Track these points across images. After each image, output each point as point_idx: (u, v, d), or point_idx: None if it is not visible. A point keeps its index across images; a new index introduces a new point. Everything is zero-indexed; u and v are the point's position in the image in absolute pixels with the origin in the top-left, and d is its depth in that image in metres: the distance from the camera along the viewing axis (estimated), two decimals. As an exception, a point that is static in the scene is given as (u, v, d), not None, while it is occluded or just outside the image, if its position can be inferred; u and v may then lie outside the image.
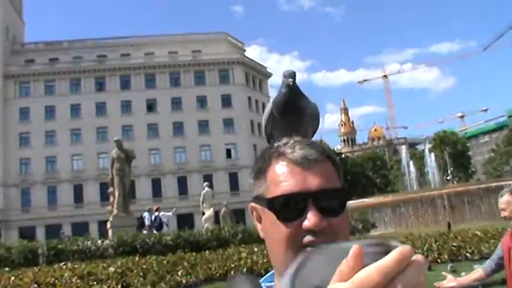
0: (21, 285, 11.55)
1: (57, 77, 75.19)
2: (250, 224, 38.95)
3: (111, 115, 74.32)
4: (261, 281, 1.32)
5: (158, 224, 25.63)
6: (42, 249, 16.91)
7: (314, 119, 1.48)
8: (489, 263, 4.76)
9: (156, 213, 26.80)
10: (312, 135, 1.57)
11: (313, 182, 1.19)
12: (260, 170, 1.29)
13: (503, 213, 4.53)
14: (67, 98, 73.96)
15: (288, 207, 1.18)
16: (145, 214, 26.70)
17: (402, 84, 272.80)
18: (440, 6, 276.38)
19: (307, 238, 1.17)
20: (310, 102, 1.48)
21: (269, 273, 1.34)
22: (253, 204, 1.31)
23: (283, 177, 1.22)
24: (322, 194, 1.18)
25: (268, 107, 1.46)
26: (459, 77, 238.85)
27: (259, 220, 1.30)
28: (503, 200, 4.51)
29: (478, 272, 4.81)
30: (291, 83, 1.39)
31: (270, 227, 1.23)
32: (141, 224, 25.55)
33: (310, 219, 1.15)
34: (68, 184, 72.84)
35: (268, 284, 1.32)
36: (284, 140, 1.31)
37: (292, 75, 1.39)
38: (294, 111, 1.44)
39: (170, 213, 29.06)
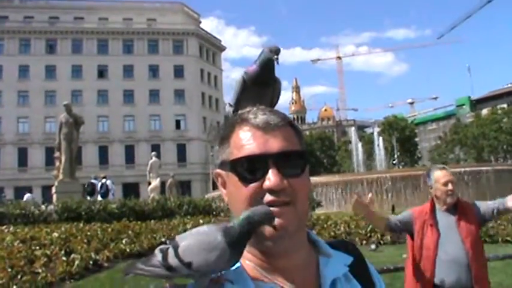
0: (-39, 248, 11.31)
1: (5, 36, 73.20)
2: (196, 196, 39.02)
3: (60, 79, 72.91)
4: None
5: (104, 191, 25.52)
6: (-16, 212, 16.56)
7: (278, 93, 1.53)
8: (394, 222, 4.84)
9: (104, 181, 26.64)
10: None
11: (274, 144, 1.23)
12: (224, 137, 1.32)
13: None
14: (15, 59, 72.14)
15: (249, 169, 1.23)
16: (95, 181, 26.52)
17: (356, 67, 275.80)
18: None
19: (268, 197, 1.21)
20: (277, 77, 1.52)
21: None
22: (218, 170, 1.35)
23: (245, 141, 1.26)
24: (282, 156, 1.22)
25: (240, 76, 1.48)
26: (413, 63, 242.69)
27: (224, 185, 1.33)
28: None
29: (384, 219, 4.93)
30: (276, 60, 1.41)
31: (233, 189, 1.27)
32: (92, 190, 25.47)
33: (271, 180, 1.20)
34: (12, 147, 71.42)
35: None
36: (247, 108, 1.34)
37: (278, 52, 1.42)
38: (267, 83, 1.47)
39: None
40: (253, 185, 1.22)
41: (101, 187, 26.07)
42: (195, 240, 1.15)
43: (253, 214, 1.13)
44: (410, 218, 4.79)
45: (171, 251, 1.15)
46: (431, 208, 4.74)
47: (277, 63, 1.43)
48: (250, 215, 1.13)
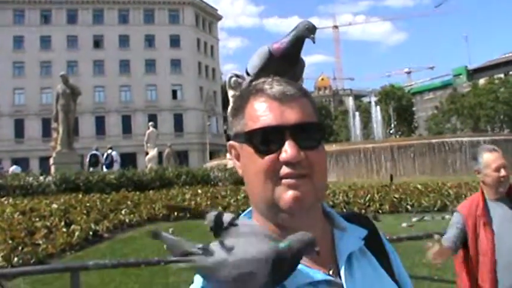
0: (-39, 219, 11.34)
1: (-1, 6, 72.55)
2: (193, 165, 39.07)
3: (56, 49, 72.46)
4: (240, 216, 1.33)
5: (110, 162, 25.75)
6: (-18, 183, 16.55)
7: (300, 74, 1.50)
8: (451, 239, 4.04)
9: (109, 151, 26.91)
10: None
11: (291, 116, 1.21)
12: (238, 108, 1.30)
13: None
14: (10, 30, 71.47)
15: (265, 140, 1.21)
16: (97, 152, 26.66)
17: (354, 36, 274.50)
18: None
19: (285, 170, 1.19)
20: (301, 57, 1.49)
21: (247, 211, 1.35)
22: (231, 142, 1.33)
23: (261, 112, 1.24)
24: (299, 128, 1.21)
25: (266, 47, 1.44)
26: (411, 32, 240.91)
27: (238, 158, 1.32)
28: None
29: (448, 250, 4.04)
30: (312, 39, 1.39)
31: (248, 162, 1.25)
32: (95, 161, 25.61)
33: (288, 152, 1.18)
34: (8, 118, 71.26)
35: (248, 219, 1.33)
36: (262, 79, 1.31)
37: (314, 31, 1.39)
38: (293, 62, 1.44)
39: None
40: (269, 157, 1.20)
41: (106, 158, 26.38)
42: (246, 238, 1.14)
43: (294, 242, 1.10)
44: (462, 222, 4.07)
45: (216, 244, 1.13)
46: (483, 200, 4.06)
47: (314, 42, 1.39)
48: (291, 243, 1.10)
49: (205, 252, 1.10)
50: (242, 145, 1.27)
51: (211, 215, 1.21)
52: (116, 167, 25.17)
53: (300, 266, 1.15)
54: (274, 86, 1.26)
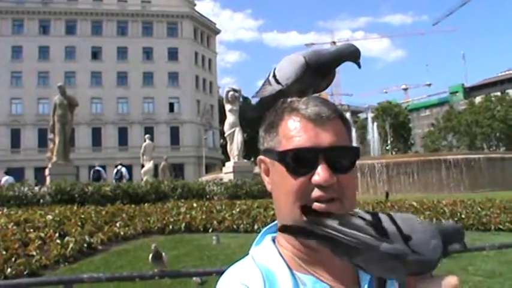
0: (-45, 229, 11.29)
1: (-1, 16, 72.61)
2: (189, 179, 39.01)
3: (54, 60, 72.51)
4: (263, 230, 1.35)
5: (119, 177, 26.37)
6: (-24, 193, 16.50)
7: (328, 85, 1.47)
8: None
9: (119, 167, 27.93)
10: None
11: (325, 138, 1.21)
12: (272, 124, 1.30)
13: None
14: (8, 39, 71.57)
15: (299, 161, 1.21)
16: (100, 168, 27.73)
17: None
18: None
19: (316, 193, 1.19)
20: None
21: (272, 224, 1.35)
22: (262, 157, 1.33)
23: (295, 132, 1.24)
24: (333, 151, 1.21)
25: (302, 57, 1.40)
26: (409, 49, 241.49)
27: (267, 173, 1.32)
28: None
29: None
30: (358, 65, 1.37)
31: (279, 180, 1.25)
32: (98, 176, 26.30)
33: (321, 175, 1.18)
34: (5, 128, 71.12)
35: (273, 234, 1.33)
36: (295, 98, 1.31)
37: (359, 56, 1.38)
38: (326, 74, 1.42)
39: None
40: (301, 179, 1.20)
41: (116, 173, 27.27)
42: (418, 222, 1.08)
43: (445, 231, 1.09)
44: None
45: (385, 217, 1.07)
46: None
47: (360, 67, 1.38)
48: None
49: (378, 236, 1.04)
50: (274, 162, 1.27)
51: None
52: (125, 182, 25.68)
53: (322, 286, 1.17)
54: (309, 106, 1.26)
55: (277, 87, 1.40)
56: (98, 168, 27.27)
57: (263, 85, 1.48)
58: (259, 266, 1.22)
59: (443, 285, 1.02)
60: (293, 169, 1.21)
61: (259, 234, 1.35)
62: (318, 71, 1.36)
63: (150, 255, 5.73)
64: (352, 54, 1.35)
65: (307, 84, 1.35)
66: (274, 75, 1.42)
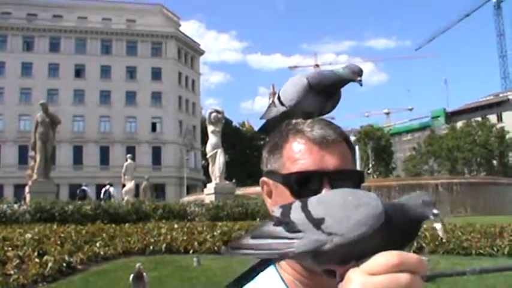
0: None
1: (-19, 31, 72.34)
2: (170, 199, 38.85)
3: (36, 77, 72.20)
4: None
5: (107, 197, 26.54)
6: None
7: (335, 105, 1.45)
8: None
9: (107, 187, 28.32)
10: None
11: (330, 161, 1.21)
12: (276, 146, 1.29)
13: None
14: (-9, 55, 71.22)
15: (303, 185, 1.19)
16: (86, 188, 28.93)
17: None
18: (382, 3, 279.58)
19: None
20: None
21: None
22: (265, 178, 1.32)
23: (300, 154, 1.23)
24: (338, 174, 1.19)
25: (304, 78, 1.38)
26: (391, 74, 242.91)
27: (269, 195, 1.31)
28: None
29: None
30: (359, 82, 1.34)
31: (281, 202, 1.19)
32: (83, 196, 26.65)
33: None
34: (-16, 144, 70.56)
35: None
36: (302, 119, 1.31)
37: (361, 74, 1.35)
38: (330, 95, 1.39)
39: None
40: None
41: (104, 193, 27.48)
42: (338, 195, 0.92)
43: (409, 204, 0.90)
44: None
45: (296, 205, 0.93)
46: None
47: (361, 85, 1.36)
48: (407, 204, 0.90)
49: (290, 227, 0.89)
50: (277, 184, 1.26)
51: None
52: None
53: None
54: (315, 129, 1.25)
55: (282, 109, 1.40)
56: (84, 188, 27.37)
57: (269, 107, 1.48)
58: None
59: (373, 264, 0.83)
60: (297, 192, 1.20)
61: None
62: (321, 92, 1.35)
63: (131, 275, 5.67)
64: (354, 74, 1.34)
65: (311, 105, 1.34)
66: (279, 97, 1.42)
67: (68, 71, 73.61)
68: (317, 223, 0.87)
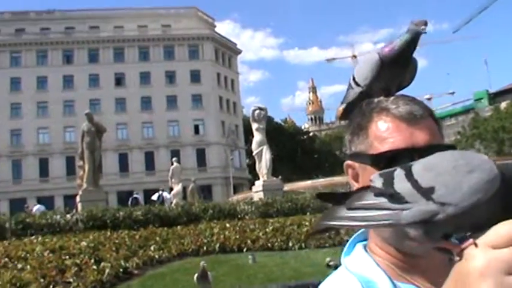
0: (-8, 259, 11.36)
1: (23, 48, 73.58)
2: (217, 200, 38.95)
3: (78, 88, 73.20)
4: (351, 238, 1.27)
5: (161, 202, 26.99)
6: (10, 222, 16.61)
7: (413, 75, 1.37)
8: None
9: (161, 192, 28.81)
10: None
11: (420, 138, 1.15)
12: (360, 126, 1.23)
13: None
14: (33, 70, 72.37)
15: (394, 164, 1.08)
16: (138, 196, 29.87)
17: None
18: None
19: None
20: (414, 57, 1.35)
21: (359, 231, 1.27)
22: (350, 162, 1.25)
23: (388, 133, 1.17)
24: (430, 151, 1.08)
25: (376, 54, 1.31)
26: (431, 58, 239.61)
27: (356, 179, 1.24)
28: None
29: None
30: (424, 31, 1.25)
31: None
32: (136, 204, 27.06)
33: None
34: (33, 158, 71.81)
35: (363, 242, 1.25)
36: (383, 96, 1.25)
37: (425, 23, 1.25)
38: (405, 64, 1.31)
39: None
40: None
41: (158, 198, 27.79)
42: (447, 159, 0.84)
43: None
44: None
45: (399, 173, 0.86)
46: None
47: (425, 32, 1.26)
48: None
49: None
50: (365, 166, 1.20)
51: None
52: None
53: None
54: (400, 105, 1.19)
55: (358, 90, 1.33)
56: (135, 196, 27.77)
57: (347, 90, 1.41)
58: (356, 276, 1.13)
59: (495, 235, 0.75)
60: None
61: (348, 243, 1.26)
62: (395, 65, 1.28)
63: (196, 275, 5.67)
64: (418, 26, 1.26)
65: (388, 80, 1.27)
66: (354, 78, 1.35)
67: (108, 80, 74.49)
68: (426, 193, 0.80)
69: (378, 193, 0.85)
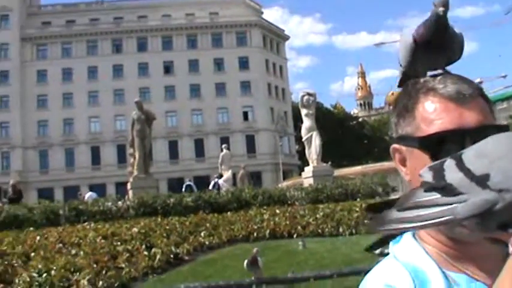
0: (47, 245, 11.57)
1: (74, 39, 75.05)
2: (267, 186, 38.93)
3: (128, 77, 74.15)
4: None
5: (217, 189, 27.24)
6: (64, 209, 16.90)
7: (460, 50, 1.26)
8: None
9: (216, 180, 28.38)
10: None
11: (471, 118, 1.09)
12: (406, 108, 1.15)
13: None
14: (84, 60, 73.79)
15: (443, 146, 1.08)
16: (190, 183, 29.62)
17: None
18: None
19: None
20: (455, 33, 1.24)
21: None
22: (396, 145, 1.17)
23: (436, 114, 1.10)
24: (481, 131, 1.06)
25: (411, 36, 1.22)
26: (481, 41, 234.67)
27: (403, 163, 1.16)
28: None
29: None
30: (442, 12, 1.15)
31: (420, 169, 1.07)
32: (191, 191, 27.28)
33: None
34: (85, 146, 73.19)
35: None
36: (430, 75, 1.17)
37: (445, 3, 1.15)
38: (440, 45, 1.21)
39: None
40: None
41: (214, 185, 27.53)
42: (499, 143, 0.78)
43: None
44: None
45: (449, 163, 0.81)
46: None
47: (445, 13, 1.16)
48: None
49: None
50: (412, 149, 1.12)
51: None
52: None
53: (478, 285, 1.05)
54: (448, 84, 1.11)
55: (401, 70, 1.26)
56: (189, 183, 27.96)
57: (400, 74, 1.33)
58: (405, 265, 1.07)
59: None
60: (438, 155, 1.05)
61: None
62: (431, 43, 1.19)
63: (246, 261, 5.63)
64: (437, 7, 1.16)
65: (428, 59, 1.18)
66: (399, 60, 1.28)
67: (157, 69, 75.20)
68: (481, 180, 0.75)
69: (429, 188, 0.81)
